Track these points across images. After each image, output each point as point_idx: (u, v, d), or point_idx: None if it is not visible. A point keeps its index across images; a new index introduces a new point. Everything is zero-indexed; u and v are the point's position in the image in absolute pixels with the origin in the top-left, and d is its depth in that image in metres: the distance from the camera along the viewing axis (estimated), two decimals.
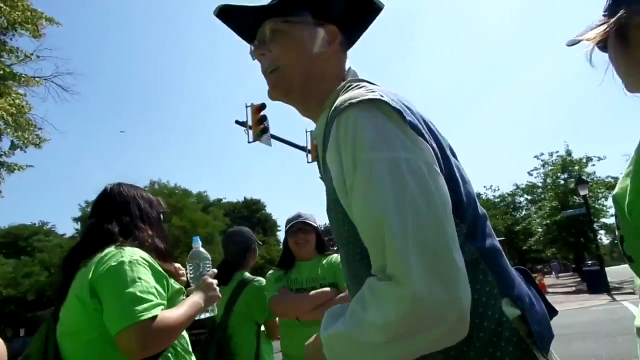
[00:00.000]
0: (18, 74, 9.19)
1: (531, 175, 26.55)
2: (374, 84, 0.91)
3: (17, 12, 8.47)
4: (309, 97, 0.99)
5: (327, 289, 2.24)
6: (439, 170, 0.76)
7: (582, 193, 17.36)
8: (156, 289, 1.31)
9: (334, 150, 0.81)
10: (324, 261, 2.39)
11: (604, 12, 0.85)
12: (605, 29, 0.82)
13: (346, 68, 1.02)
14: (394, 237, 0.69)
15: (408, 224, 0.69)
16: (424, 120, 0.85)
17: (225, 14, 0.99)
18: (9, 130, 9.46)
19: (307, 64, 0.96)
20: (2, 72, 8.63)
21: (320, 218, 2.36)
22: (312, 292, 2.22)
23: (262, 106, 10.53)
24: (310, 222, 2.41)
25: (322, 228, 2.68)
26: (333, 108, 0.84)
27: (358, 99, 0.79)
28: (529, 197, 28.82)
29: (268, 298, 2.30)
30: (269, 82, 0.99)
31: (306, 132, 11.75)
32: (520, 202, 32.54)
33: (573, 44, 0.89)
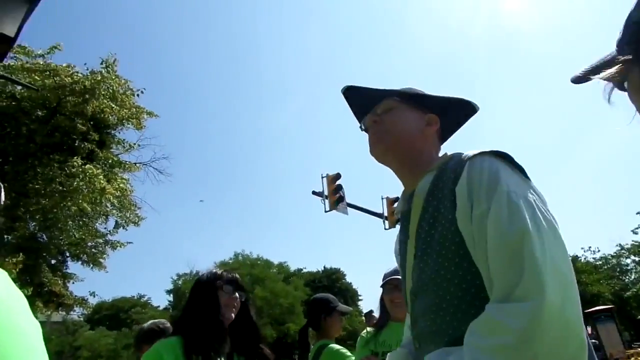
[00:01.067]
0: (124, 162, 10.51)
1: (636, 234, 23.59)
2: None
3: (124, 110, 9.86)
4: (406, 162, 1.13)
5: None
6: (555, 219, 0.86)
7: None
8: None
9: (465, 184, 0.91)
10: None
11: (617, 46, 0.72)
12: (618, 69, 0.69)
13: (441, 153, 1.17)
14: (535, 251, 0.75)
15: (545, 244, 0.77)
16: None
17: (352, 91, 1.22)
18: (114, 211, 10.60)
19: (408, 133, 1.13)
20: (111, 161, 9.96)
21: None
22: None
23: (338, 176, 10.78)
24: None
25: None
26: (459, 158, 0.99)
27: (488, 150, 0.95)
28: (637, 259, 25.43)
29: None
30: (371, 136, 1.16)
31: (382, 198, 11.74)
32: (627, 265, 28.47)
33: (579, 82, 0.76)
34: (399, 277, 2.03)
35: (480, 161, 0.92)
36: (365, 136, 1.21)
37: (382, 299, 2.27)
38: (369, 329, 2.30)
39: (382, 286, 2.27)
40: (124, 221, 10.99)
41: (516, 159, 0.94)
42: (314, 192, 11.03)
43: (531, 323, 0.70)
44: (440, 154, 1.17)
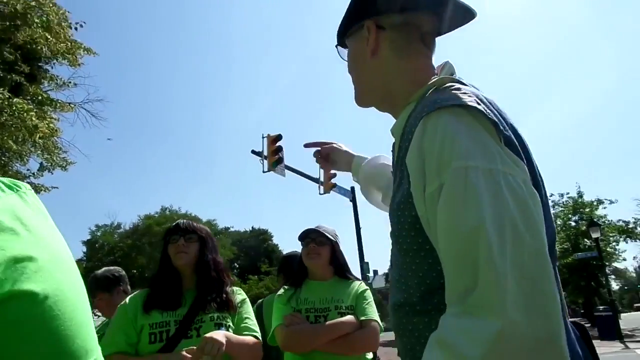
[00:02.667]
0: (55, 100, 9.78)
1: None
2: (470, 86, 0.84)
3: (60, 44, 9.11)
4: (377, 100, 0.99)
5: (350, 317, 1.98)
6: (537, 193, 0.68)
7: (594, 236, 17.10)
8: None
9: (415, 154, 0.73)
10: (343, 284, 2.14)
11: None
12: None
13: (435, 63, 0.96)
14: (491, 255, 0.60)
15: (507, 243, 0.61)
16: (519, 135, 0.78)
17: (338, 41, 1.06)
18: (39, 152, 9.93)
19: (363, 73, 0.97)
20: (41, 97, 9.23)
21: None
22: (332, 321, 1.95)
23: (278, 137, 10.82)
24: (327, 234, 2.14)
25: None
26: (419, 109, 0.79)
27: (450, 103, 0.73)
28: None
29: (274, 325, 2.02)
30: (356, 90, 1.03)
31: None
32: None
33: None
34: (318, 230, 2.15)
35: (435, 121, 0.72)
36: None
37: (300, 257, 2.21)
38: (285, 286, 2.20)
39: (299, 239, 2.21)
40: (50, 164, 10.34)
41: (488, 111, 0.72)
42: (253, 152, 11.05)
43: (488, 351, 0.57)
44: (439, 64, 0.95)
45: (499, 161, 0.67)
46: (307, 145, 1.54)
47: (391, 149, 1.00)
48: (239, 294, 1.94)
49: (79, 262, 33.85)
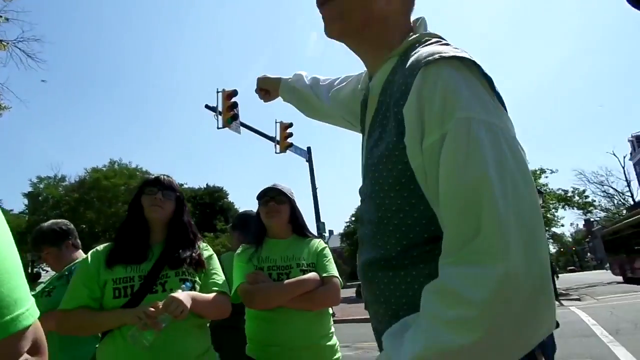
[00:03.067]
0: None
1: None
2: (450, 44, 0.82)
3: None
4: (367, 39, 0.90)
5: (313, 274, 2.00)
6: (524, 150, 0.71)
7: None
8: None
9: (414, 104, 0.72)
10: (303, 242, 2.15)
11: None
12: None
13: (413, 18, 0.93)
14: (495, 203, 0.62)
15: (508, 192, 0.63)
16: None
17: None
18: None
19: (369, 3, 0.86)
20: None
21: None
22: (296, 278, 1.96)
23: (234, 92, 10.46)
24: (286, 193, 2.15)
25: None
26: (414, 60, 0.76)
27: (450, 54, 0.72)
28: None
29: (236, 283, 2.01)
30: (324, 16, 0.91)
31: (276, 122, 11.83)
32: None
33: None
34: (276, 188, 2.14)
35: (436, 72, 0.71)
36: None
37: (257, 216, 2.20)
38: (243, 245, 2.19)
39: (257, 198, 2.19)
40: None
41: (484, 67, 0.73)
42: (207, 106, 10.65)
43: (494, 294, 0.59)
44: (419, 16, 0.93)
45: (496, 116, 0.70)
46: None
47: (361, 104, 0.98)
48: (206, 250, 1.90)
49: (20, 215, 32.25)
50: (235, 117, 10.58)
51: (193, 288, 1.69)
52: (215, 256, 1.93)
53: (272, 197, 2.14)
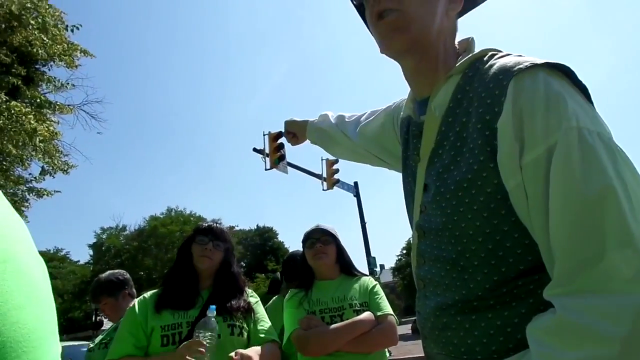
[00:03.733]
0: (53, 102, 9.71)
1: None
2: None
3: (57, 46, 9.03)
4: (428, 57, 0.84)
5: (368, 314, 1.91)
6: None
7: None
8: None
9: (510, 117, 0.65)
10: (352, 281, 2.07)
11: None
12: None
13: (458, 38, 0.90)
14: (625, 217, 0.53)
15: (634, 205, 0.55)
16: None
17: None
18: (39, 156, 9.89)
19: (435, 17, 0.81)
20: (39, 100, 9.17)
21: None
22: (351, 320, 1.87)
23: (280, 134, 10.66)
24: (331, 232, 2.11)
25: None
26: (497, 71, 0.70)
27: (543, 61, 0.66)
28: None
29: (289, 330, 1.93)
30: (384, 27, 0.82)
31: (322, 160, 12.01)
32: None
33: None
34: (320, 228, 2.10)
35: (533, 80, 0.65)
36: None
37: (303, 259, 2.14)
38: (292, 289, 2.12)
39: (303, 242, 2.14)
40: (51, 168, 10.30)
41: (579, 75, 0.67)
42: (254, 150, 10.97)
43: (634, 328, 0.49)
44: (458, 40, 0.89)
45: (600, 124, 0.63)
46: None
47: (410, 132, 0.92)
48: (252, 297, 1.89)
49: (86, 265, 34.09)
50: (282, 157, 10.82)
51: (241, 334, 1.69)
52: (259, 302, 1.92)
53: (317, 238, 2.10)
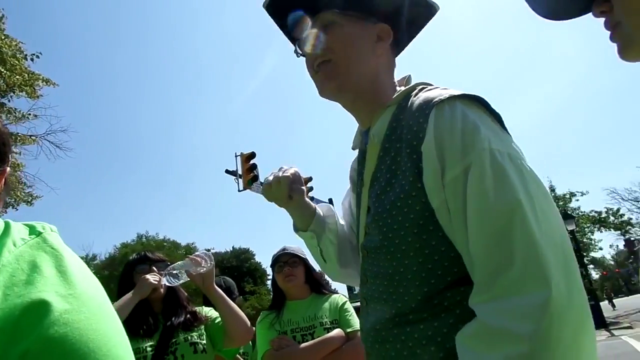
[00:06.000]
0: (14, 134, 9.44)
1: None
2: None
3: (16, 76, 8.83)
4: (361, 94, 0.93)
5: (338, 330, 1.96)
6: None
7: (569, 228, 17.30)
8: None
9: (432, 141, 0.72)
10: (322, 299, 2.13)
11: None
12: None
13: (396, 74, 0.99)
14: (530, 227, 0.60)
15: (539, 216, 0.62)
16: None
17: (276, 5, 0.96)
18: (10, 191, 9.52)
19: (361, 59, 0.91)
20: None
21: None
22: (321, 337, 1.92)
23: (252, 155, 10.72)
24: (298, 254, 2.16)
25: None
26: (421, 102, 0.78)
27: (459, 93, 0.75)
28: None
29: (262, 351, 1.97)
30: (319, 76, 0.93)
31: None
32: None
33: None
34: (287, 252, 2.14)
35: (451, 109, 0.73)
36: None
37: (274, 282, 2.21)
38: (263, 311, 2.20)
39: (272, 266, 2.22)
40: (13, 200, 9.95)
41: (492, 105, 0.76)
42: (227, 171, 10.90)
43: (543, 323, 0.55)
44: (398, 76, 0.98)
45: (511, 147, 0.71)
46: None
47: (358, 158, 0.99)
48: (210, 311, 1.94)
49: None
50: (255, 178, 10.75)
51: (204, 351, 1.74)
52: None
53: (285, 261, 2.15)
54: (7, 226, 0.46)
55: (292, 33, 0.99)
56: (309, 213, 1.13)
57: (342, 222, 1.19)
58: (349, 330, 1.99)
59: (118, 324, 0.48)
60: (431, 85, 0.88)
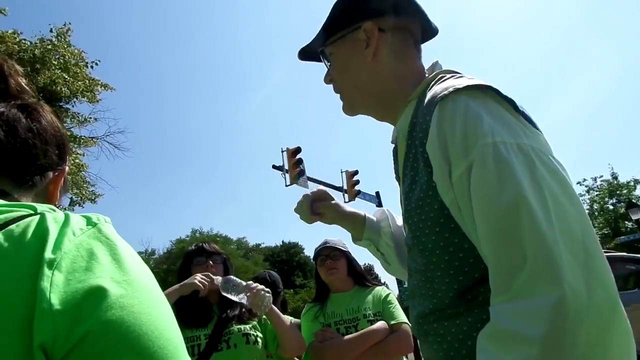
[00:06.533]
0: (78, 137, 10.12)
1: None
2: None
3: (78, 83, 9.45)
4: (376, 103, 0.94)
5: (382, 323, 1.96)
6: (564, 166, 0.67)
7: (634, 217, 16.12)
8: None
9: (435, 139, 0.70)
10: (366, 292, 2.13)
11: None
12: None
13: (424, 63, 0.96)
14: (537, 223, 0.57)
15: (551, 213, 0.58)
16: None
17: (304, 54, 1.03)
18: (69, 188, 10.25)
19: (357, 76, 0.92)
20: None
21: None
22: (365, 330, 1.92)
23: (298, 150, 10.85)
24: (339, 247, 2.17)
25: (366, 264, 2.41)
26: (430, 97, 0.76)
27: (464, 85, 0.72)
28: None
29: (306, 344, 1.95)
30: (343, 107, 1.00)
31: (341, 172, 12.03)
32: None
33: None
34: (329, 245, 2.16)
35: (453, 105, 0.70)
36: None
37: (317, 275, 2.22)
38: (308, 304, 2.22)
39: (314, 260, 2.24)
40: (79, 198, 10.67)
41: (503, 91, 0.71)
42: (274, 166, 11.07)
43: (555, 325, 0.52)
44: (428, 64, 0.95)
45: (524, 135, 0.66)
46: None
47: (393, 154, 0.99)
48: None
49: None
50: (301, 173, 10.88)
51: (256, 342, 1.77)
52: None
53: (327, 254, 2.17)
54: (67, 217, 0.49)
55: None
56: (359, 222, 1.15)
57: (399, 222, 1.16)
58: (392, 322, 1.99)
59: (168, 309, 0.51)
60: (454, 73, 0.83)
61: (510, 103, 0.71)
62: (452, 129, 0.68)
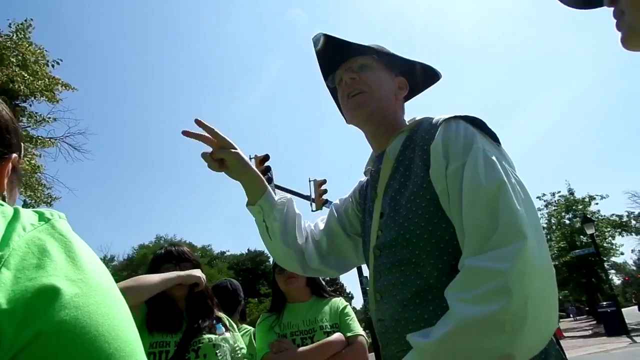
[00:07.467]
0: (35, 137, 9.68)
1: None
2: None
3: (38, 82, 9.06)
4: (383, 124, 1.13)
5: (338, 334, 1.96)
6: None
7: (589, 232, 17.00)
8: None
9: (440, 142, 0.92)
10: (323, 303, 2.11)
11: None
12: None
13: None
14: (512, 200, 0.78)
15: (519, 197, 0.80)
16: None
17: (322, 42, 1.16)
18: (22, 189, 9.79)
19: (386, 97, 1.13)
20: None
21: None
22: (321, 341, 1.91)
23: (266, 157, 10.65)
24: None
25: None
26: (431, 122, 1.01)
27: (462, 114, 0.97)
28: None
29: (261, 354, 1.95)
30: (352, 103, 1.12)
31: (309, 181, 12.00)
32: None
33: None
34: None
35: (456, 124, 0.94)
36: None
37: (274, 284, 2.18)
38: (263, 313, 2.18)
39: (273, 268, 2.19)
40: (33, 201, 10.19)
41: (488, 124, 0.96)
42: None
43: (519, 263, 0.70)
44: (406, 118, 1.19)
45: (501, 155, 0.91)
46: (186, 134, 1.17)
47: (368, 174, 1.22)
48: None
49: None
50: (269, 180, 10.76)
51: (226, 354, 1.75)
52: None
53: None
54: (16, 212, 0.47)
55: (328, 68, 1.21)
56: (259, 186, 1.21)
57: (297, 211, 1.28)
58: (349, 334, 1.98)
59: (126, 310, 0.49)
60: (434, 117, 1.06)
61: (491, 136, 0.95)
62: (455, 137, 0.91)
